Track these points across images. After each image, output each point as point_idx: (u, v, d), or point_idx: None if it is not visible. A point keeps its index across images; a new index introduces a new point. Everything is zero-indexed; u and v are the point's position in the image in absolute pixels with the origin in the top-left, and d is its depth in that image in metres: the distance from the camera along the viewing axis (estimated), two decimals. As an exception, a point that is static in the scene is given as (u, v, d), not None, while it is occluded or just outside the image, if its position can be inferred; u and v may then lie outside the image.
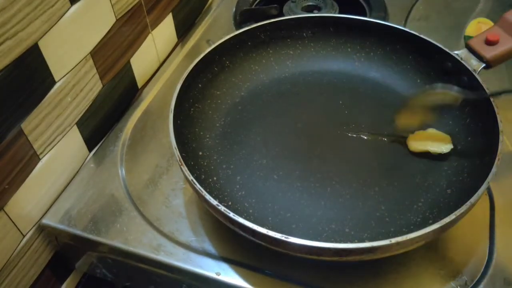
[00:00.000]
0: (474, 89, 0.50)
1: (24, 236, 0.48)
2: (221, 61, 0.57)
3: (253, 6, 0.76)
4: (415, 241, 0.38)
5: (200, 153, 0.51)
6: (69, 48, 0.49)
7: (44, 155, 0.49)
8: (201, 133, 0.53)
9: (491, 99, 0.47)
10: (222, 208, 0.40)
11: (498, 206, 0.49)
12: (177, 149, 0.44)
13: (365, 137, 0.53)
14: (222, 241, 0.47)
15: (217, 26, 0.75)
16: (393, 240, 0.37)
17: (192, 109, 0.53)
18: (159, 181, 0.53)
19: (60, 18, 0.47)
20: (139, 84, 0.65)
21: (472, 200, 0.40)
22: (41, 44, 0.45)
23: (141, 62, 0.64)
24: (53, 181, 0.51)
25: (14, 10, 0.41)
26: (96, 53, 0.54)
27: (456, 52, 0.53)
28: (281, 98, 0.58)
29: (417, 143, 0.51)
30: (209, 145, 0.52)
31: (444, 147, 0.49)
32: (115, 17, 0.56)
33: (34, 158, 0.48)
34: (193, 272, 0.45)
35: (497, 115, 0.46)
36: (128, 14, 0.58)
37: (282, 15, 0.72)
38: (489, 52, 0.51)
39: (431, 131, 0.52)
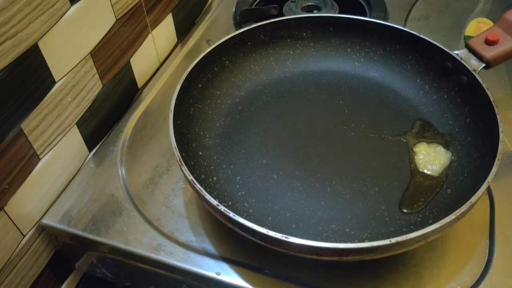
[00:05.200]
0: (474, 89, 0.50)
1: (24, 236, 0.48)
2: (221, 61, 0.57)
3: (253, 6, 0.76)
4: (415, 241, 0.38)
5: (200, 153, 0.51)
6: (69, 48, 0.49)
7: (44, 155, 0.49)
8: (201, 133, 0.53)
9: (491, 99, 0.47)
10: (222, 208, 0.40)
11: (498, 206, 0.49)
12: (177, 149, 0.44)
13: (365, 137, 0.53)
14: (222, 241, 0.47)
15: (217, 26, 0.75)
16: (393, 240, 0.37)
17: (192, 109, 0.53)
18: (159, 181, 0.53)
19: (60, 18, 0.47)
20: (139, 84, 0.65)
21: (472, 200, 0.40)
22: (41, 44, 0.45)
23: (141, 62, 0.64)
24: (53, 181, 0.51)
25: (14, 10, 0.41)
26: (96, 53, 0.54)
27: (456, 52, 0.53)
28: (281, 98, 0.58)
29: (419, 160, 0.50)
30: (209, 145, 0.52)
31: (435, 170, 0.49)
32: (115, 17, 0.56)
33: (34, 158, 0.48)
34: (193, 272, 0.45)
35: (497, 115, 0.46)
36: (128, 14, 0.58)
37: (282, 15, 0.72)
38: (489, 52, 0.51)
39: (437, 149, 0.51)
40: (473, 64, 0.52)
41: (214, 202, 0.40)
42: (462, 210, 0.39)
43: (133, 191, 0.52)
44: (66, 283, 0.56)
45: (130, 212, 0.50)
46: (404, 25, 0.72)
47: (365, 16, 0.72)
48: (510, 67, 0.64)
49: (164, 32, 0.68)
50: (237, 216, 0.39)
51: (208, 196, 0.41)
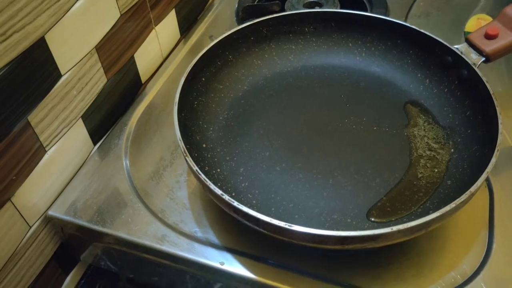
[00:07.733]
0: (473, 82, 0.51)
1: (30, 227, 0.49)
2: (224, 56, 0.58)
3: (255, 3, 0.77)
4: (416, 230, 0.39)
5: (204, 145, 0.51)
6: (75, 42, 0.50)
7: (50, 148, 0.50)
8: (205, 126, 0.53)
9: (491, 92, 0.48)
10: (226, 197, 0.41)
11: (497, 198, 0.50)
12: (181, 140, 0.45)
13: (366, 130, 0.54)
14: (225, 231, 0.48)
15: (220, 23, 0.75)
16: (395, 228, 0.38)
17: (195, 103, 0.54)
18: (163, 174, 0.53)
19: (66, 12, 0.48)
20: (143, 79, 0.66)
21: (472, 189, 0.40)
22: (47, 38, 0.46)
23: (145, 57, 0.65)
24: (59, 173, 0.52)
25: (21, 4, 0.42)
26: (100, 48, 0.54)
27: (456, 46, 0.54)
28: (283, 92, 0.58)
29: None
30: (212, 137, 0.53)
31: None
32: (120, 12, 0.57)
33: (41, 150, 0.49)
34: (197, 262, 0.46)
35: (497, 108, 0.46)
36: (132, 10, 0.59)
37: (284, 11, 0.72)
38: (489, 46, 0.52)
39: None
40: (473, 58, 0.52)
41: (219, 191, 0.41)
42: (462, 199, 0.40)
43: (137, 183, 0.52)
44: (71, 275, 0.56)
45: (134, 204, 0.50)
46: (405, 22, 0.73)
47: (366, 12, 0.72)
48: (510, 62, 0.64)
49: (167, 28, 0.69)
50: (242, 205, 0.40)
51: (212, 186, 0.41)
